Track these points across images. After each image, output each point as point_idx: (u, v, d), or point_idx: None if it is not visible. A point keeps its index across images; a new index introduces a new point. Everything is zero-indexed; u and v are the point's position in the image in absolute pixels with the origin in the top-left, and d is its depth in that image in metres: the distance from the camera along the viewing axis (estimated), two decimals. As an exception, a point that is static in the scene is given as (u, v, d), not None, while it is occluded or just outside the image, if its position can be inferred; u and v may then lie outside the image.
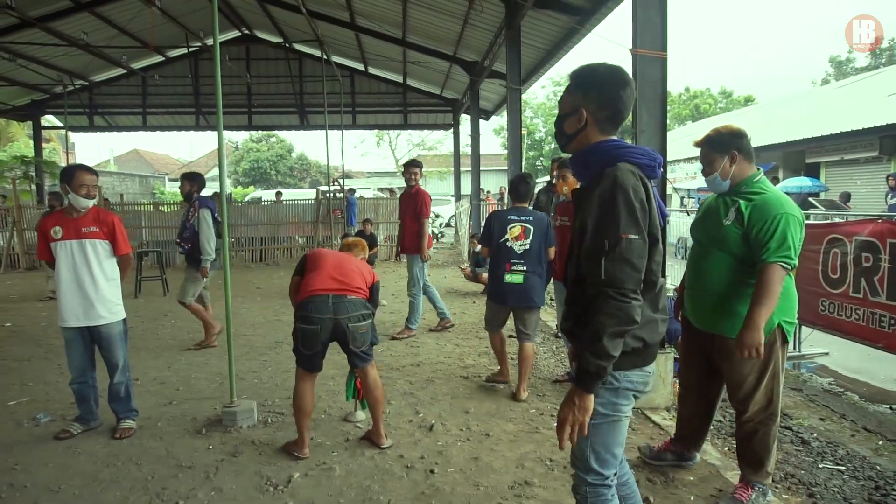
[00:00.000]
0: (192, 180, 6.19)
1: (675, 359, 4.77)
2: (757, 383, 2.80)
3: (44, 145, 23.29)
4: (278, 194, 16.26)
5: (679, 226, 15.16)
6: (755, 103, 37.05)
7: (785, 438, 3.76)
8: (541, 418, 4.12)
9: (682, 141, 24.10)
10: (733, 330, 2.72)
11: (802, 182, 15.01)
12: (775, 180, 15.79)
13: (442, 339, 6.40)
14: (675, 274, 9.62)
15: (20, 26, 12.36)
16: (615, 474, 2.03)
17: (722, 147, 2.81)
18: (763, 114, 23.42)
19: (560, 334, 6.27)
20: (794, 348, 6.05)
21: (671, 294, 5.79)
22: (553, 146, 38.59)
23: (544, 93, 45.26)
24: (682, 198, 17.72)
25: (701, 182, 17.48)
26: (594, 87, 1.94)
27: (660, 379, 4.29)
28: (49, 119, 20.55)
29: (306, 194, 17.42)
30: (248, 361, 5.61)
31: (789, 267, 2.63)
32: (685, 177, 19.85)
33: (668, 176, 4.59)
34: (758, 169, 2.87)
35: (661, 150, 4.40)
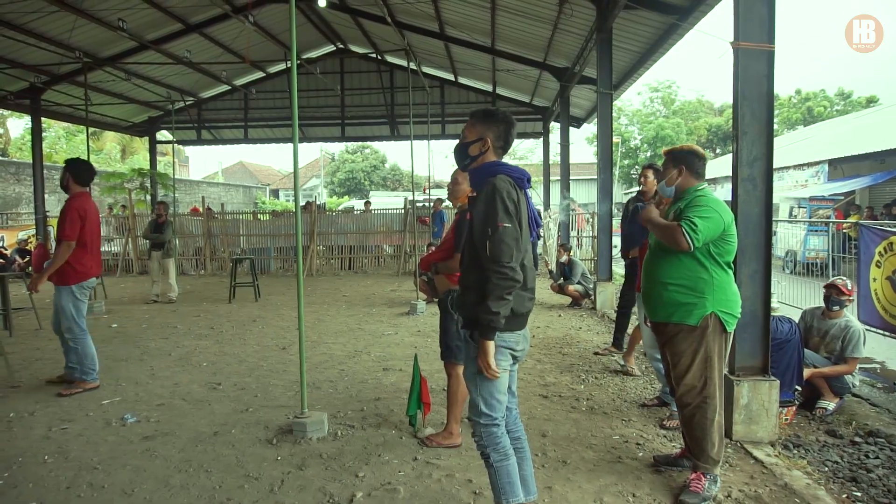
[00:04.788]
0: None
1: (795, 390, 4.28)
2: (690, 365, 3.10)
3: (160, 159, 25.20)
4: (367, 203, 16.55)
5: (787, 237, 13.92)
6: (879, 104, 33.89)
7: (918, 488, 3.21)
8: (625, 446, 3.78)
9: (792, 147, 22.34)
10: (673, 315, 3.11)
11: (937, 190, 13.38)
12: (903, 188, 14.20)
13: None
14: (785, 291, 8.79)
15: (138, 49, 13.39)
16: (503, 417, 2.56)
17: (676, 160, 3.26)
18: (889, 116, 21.23)
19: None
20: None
21: (776, 312, 5.23)
22: (649, 154, 37.15)
23: (640, 99, 43.86)
24: (791, 208, 16.17)
25: (813, 191, 16.02)
26: (496, 123, 2.57)
27: (762, 409, 3.83)
28: (164, 134, 22.15)
29: (395, 203, 17.58)
30: (327, 370, 5.62)
31: (686, 232, 2.97)
32: (794, 185, 18.18)
33: (776, 184, 4.12)
34: (704, 184, 3.25)
35: (767, 154, 3.94)
